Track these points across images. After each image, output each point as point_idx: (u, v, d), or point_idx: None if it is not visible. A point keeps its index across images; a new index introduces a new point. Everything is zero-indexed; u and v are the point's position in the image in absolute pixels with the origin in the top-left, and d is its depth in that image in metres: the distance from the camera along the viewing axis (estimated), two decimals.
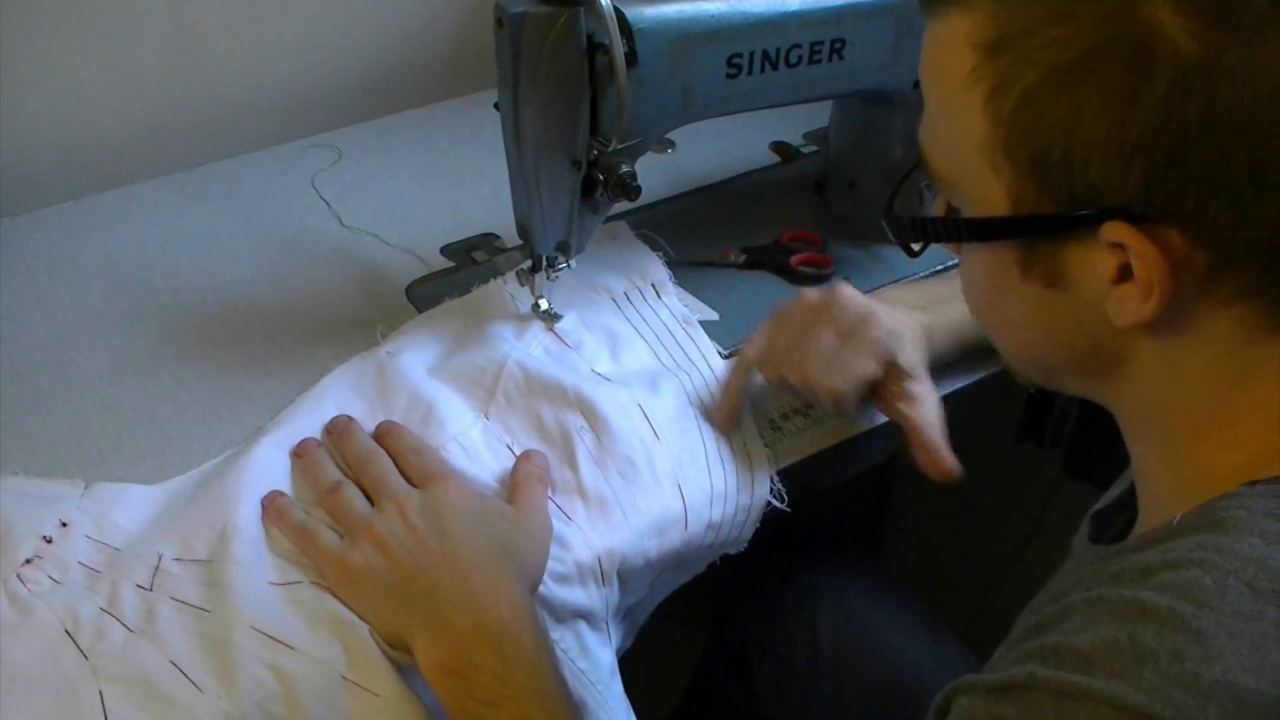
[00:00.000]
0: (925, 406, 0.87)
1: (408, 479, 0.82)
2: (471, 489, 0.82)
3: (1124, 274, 0.55)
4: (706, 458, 0.88)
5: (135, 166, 1.22)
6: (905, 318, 0.89)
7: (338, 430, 0.87)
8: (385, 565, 0.76)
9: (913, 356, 0.87)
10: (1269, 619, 0.48)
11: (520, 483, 0.83)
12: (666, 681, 1.30)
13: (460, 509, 0.79)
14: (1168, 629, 0.49)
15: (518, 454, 0.87)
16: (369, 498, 0.81)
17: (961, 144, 0.58)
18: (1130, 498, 0.67)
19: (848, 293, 0.88)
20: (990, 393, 0.99)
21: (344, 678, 0.75)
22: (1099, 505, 0.70)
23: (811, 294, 0.89)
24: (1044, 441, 1.26)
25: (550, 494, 0.85)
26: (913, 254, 0.68)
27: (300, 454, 0.85)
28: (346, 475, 0.83)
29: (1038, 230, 0.57)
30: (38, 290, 1.06)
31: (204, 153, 1.25)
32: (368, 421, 0.88)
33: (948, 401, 0.93)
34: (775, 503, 0.88)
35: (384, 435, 0.86)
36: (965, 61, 0.57)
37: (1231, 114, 0.51)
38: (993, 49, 0.55)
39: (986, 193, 0.58)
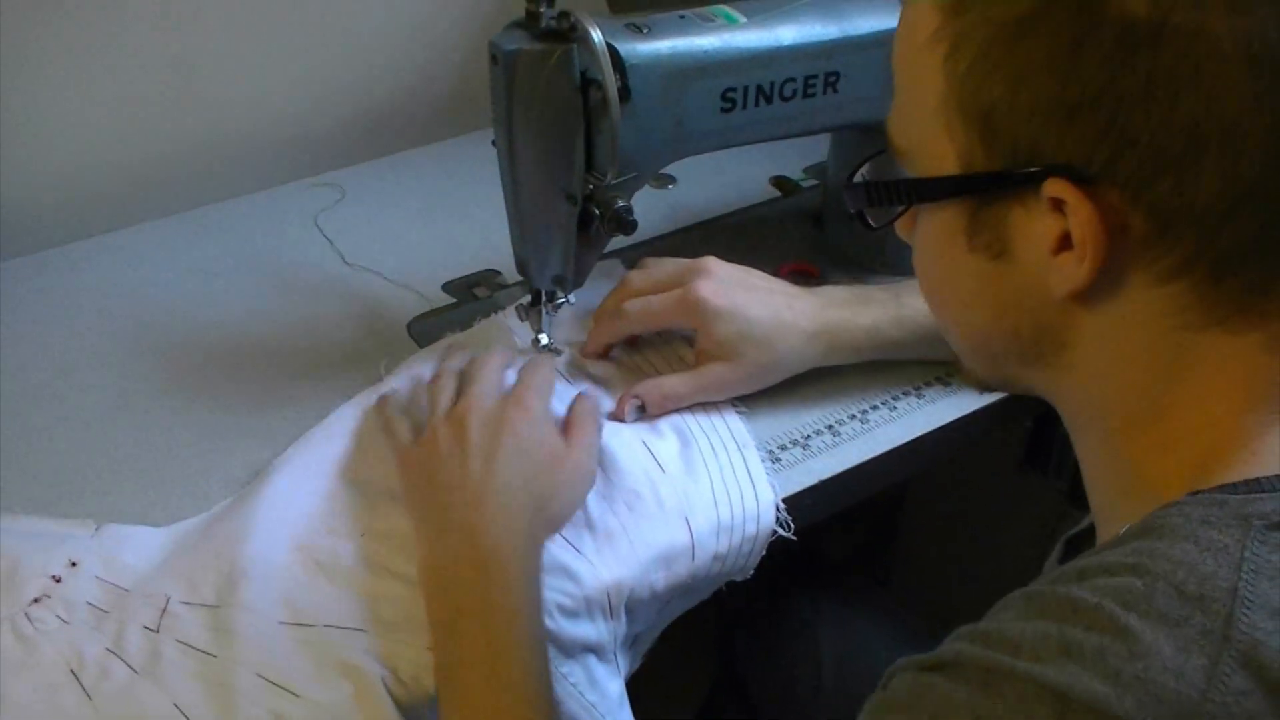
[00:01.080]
0: (683, 377, 0.93)
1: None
2: (541, 418, 0.87)
3: (1064, 245, 0.56)
4: (713, 490, 0.88)
5: (138, 207, 1.23)
6: (790, 309, 0.92)
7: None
8: (428, 466, 0.83)
9: (721, 338, 0.91)
10: (1194, 624, 0.49)
11: (575, 420, 0.89)
12: (675, 715, 1.29)
13: (517, 435, 0.84)
14: (1095, 627, 0.49)
15: None
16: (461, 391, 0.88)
17: (920, 108, 0.60)
18: None
19: (710, 265, 0.93)
20: (994, 421, 0.99)
21: None
22: (1074, 530, 0.71)
23: (687, 260, 0.96)
24: (1048, 470, 1.26)
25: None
26: (870, 228, 0.69)
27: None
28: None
29: (981, 188, 0.59)
30: (40, 329, 1.07)
31: (206, 193, 1.26)
32: (369, 454, 0.90)
33: (952, 429, 0.94)
34: (781, 531, 0.88)
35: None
36: (929, 23, 0.58)
37: (1173, 78, 0.51)
38: (955, 9, 0.57)
39: (939, 157, 0.60)
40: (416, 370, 0.96)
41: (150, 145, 1.25)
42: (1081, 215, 0.54)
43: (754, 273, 0.95)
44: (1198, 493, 0.55)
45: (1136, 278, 0.56)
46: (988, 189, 0.58)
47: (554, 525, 0.84)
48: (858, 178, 0.69)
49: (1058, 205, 0.55)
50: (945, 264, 0.64)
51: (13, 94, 1.16)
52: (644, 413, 0.93)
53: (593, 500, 0.86)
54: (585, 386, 0.96)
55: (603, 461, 0.89)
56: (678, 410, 0.94)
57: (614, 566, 0.83)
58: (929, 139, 0.60)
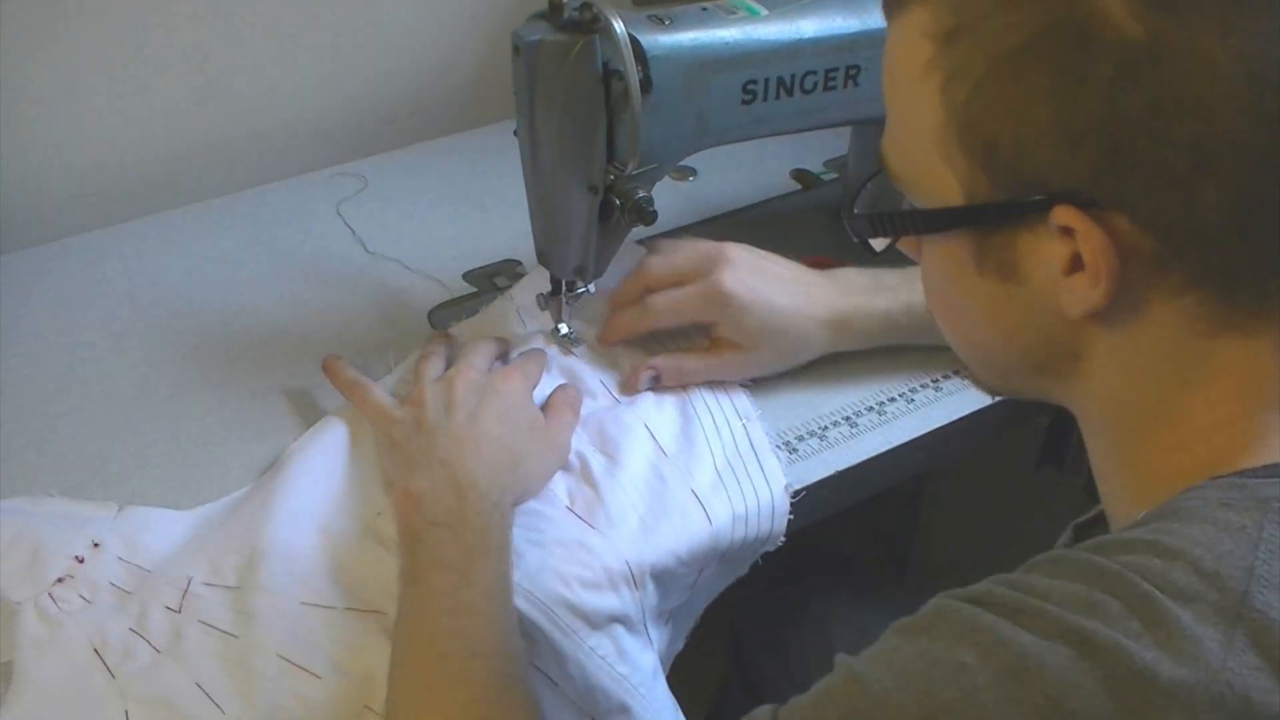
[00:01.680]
0: (702, 357, 0.95)
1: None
2: (525, 390, 0.90)
3: (1075, 265, 0.56)
4: (714, 464, 0.90)
5: (162, 195, 1.24)
6: (808, 297, 0.94)
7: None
8: (413, 421, 0.86)
9: (750, 323, 0.92)
10: (1209, 601, 0.49)
11: (554, 405, 0.92)
12: (686, 708, 1.29)
13: (501, 400, 0.87)
14: (1119, 593, 0.50)
15: None
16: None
17: (918, 137, 0.59)
18: None
19: (729, 253, 0.93)
20: (1012, 416, 0.99)
21: (367, 707, 0.76)
22: (1082, 518, 0.71)
23: (705, 246, 0.96)
24: (1065, 466, 1.26)
25: (569, 505, 0.87)
26: (873, 253, 0.69)
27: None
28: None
29: (990, 219, 0.58)
30: (65, 316, 1.08)
31: (230, 182, 1.27)
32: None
33: (969, 422, 0.95)
34: (794, 493, 0.89)
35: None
36: (922, 53, 0.58)
37: (1175, 99, 0.51)
38: (948, 38, 0.56)
39: (941, 185, 0.59)
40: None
41: (175, 135, 1.26)
42: (1093, 242, 0.54)
43: (770, 257, 0.96)
44: (1217, 477, 0.55)
45: (1150, 293, 0.56)
46: (994, 218, 0.58)
47: (525, 486, 0.86)
48: (859, 204, 0.69)
49: (1067, 230, 0.55)
50: (954, 286, 0.63)
51: (41, 85, 1.17)
52: (657, 383, 0.94)
53: (604, 482, 0.88)
54: (600, 375, 0.97)
55: (606, 448, 0.90)
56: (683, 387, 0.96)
57: (631, 541, 0.84)
58: (930, 168, 0.60)
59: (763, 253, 0.96)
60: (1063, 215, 0.55)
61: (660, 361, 0.95)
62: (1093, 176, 0.54)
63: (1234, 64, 0.51)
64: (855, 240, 0.68)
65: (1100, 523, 0.67)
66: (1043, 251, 0.57)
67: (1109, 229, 0.54)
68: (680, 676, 0.91)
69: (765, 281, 0.93)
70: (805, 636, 1.10)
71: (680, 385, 0.95)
